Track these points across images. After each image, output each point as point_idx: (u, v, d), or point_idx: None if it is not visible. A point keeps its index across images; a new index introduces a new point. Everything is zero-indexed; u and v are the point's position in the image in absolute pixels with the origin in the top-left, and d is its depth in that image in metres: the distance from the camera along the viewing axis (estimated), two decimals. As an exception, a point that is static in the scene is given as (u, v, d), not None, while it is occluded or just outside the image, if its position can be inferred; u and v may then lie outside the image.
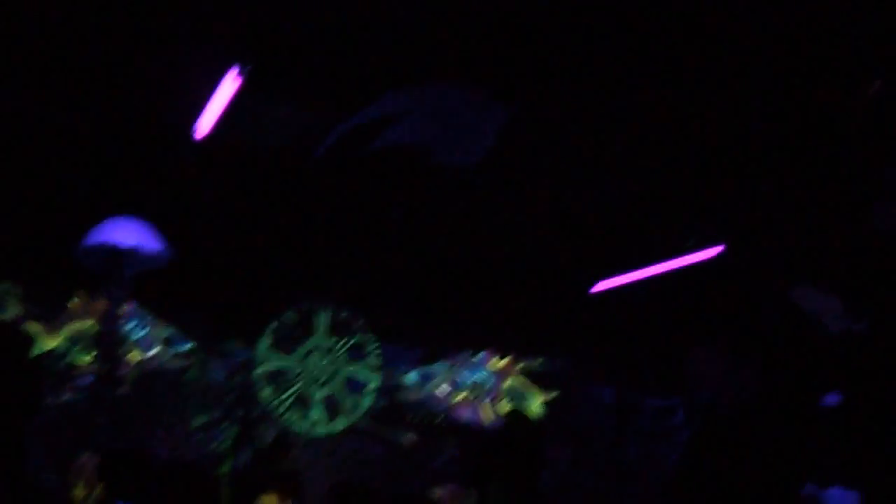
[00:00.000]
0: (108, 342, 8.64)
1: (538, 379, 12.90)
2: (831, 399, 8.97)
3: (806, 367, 10.23)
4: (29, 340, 10.43)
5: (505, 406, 12.46)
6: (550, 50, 7.80)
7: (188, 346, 11.12)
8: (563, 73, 8.18)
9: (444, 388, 12.42)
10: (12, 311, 10.45)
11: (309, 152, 8.94)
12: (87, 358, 10.30)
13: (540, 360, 12.92)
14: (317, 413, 11.65)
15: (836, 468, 8.03)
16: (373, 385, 11.88)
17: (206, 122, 7.94)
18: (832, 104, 8.03)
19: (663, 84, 8.27)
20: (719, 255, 10.67)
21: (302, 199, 10.23)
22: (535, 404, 12.62)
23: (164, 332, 10.92)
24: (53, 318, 10.65)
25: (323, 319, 11.90)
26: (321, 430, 11.61)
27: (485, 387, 12.55)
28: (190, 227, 9.56)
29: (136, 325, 10.57)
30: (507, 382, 12.70)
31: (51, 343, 10.49)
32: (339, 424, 11.73)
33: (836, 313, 9.86)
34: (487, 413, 12.40)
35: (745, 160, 9.29)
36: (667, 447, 12.99)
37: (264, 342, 11.56)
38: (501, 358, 12.82)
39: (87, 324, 10.47)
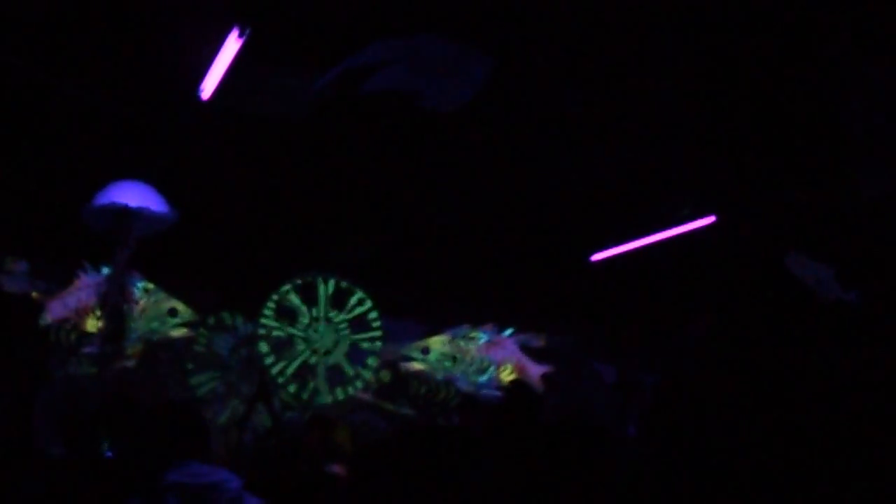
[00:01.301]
0: (113, 302, 8.77)
1: (539, 354, 13.05)
2: None
3: (799, 336, 10.36)
4: (35, 312, 10.64)
5: (507, 377, 12.57)
6: (548, 25, 8.01)
7: (193, 317, 11.29)
8: (559, 49, 8.38)
9: (446, 360, 12.55)
10: (19, 284, 10.64)
11: (314, 122, 9.15)
12: (94, 326, 10.47)
13: (542, 334, 13.04)
14: (319, 383, 11.81)
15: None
16: (374, 356, 12.03)
17: (209, 85, 8.11)
18: (818, 77, 8.17)
19: (656, 57, 8.44)
20: (712, 225, 10.82)
21: (304, 169, 10.40)
22: (535, 377, 12.74)
23: (168, 302, 11.08)
24: (59, 291, 10.83)
25: (325, 291, 12.05)
26: (322, 399, 11.76)
27: (486, 359, 12.69)
28: (192, 197, 9.69)
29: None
30: (507, 354, 12.82)
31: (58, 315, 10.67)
32: (341, 394, 11.88)
33: (828, 281, 9.98)
34: (486, 383, 12.54)
35: (737, 131, 9.45)
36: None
37: (267, 312, 11.71)
38: (502, 332, 12.95)
39: (92, 296, 10.65)
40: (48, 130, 9.28)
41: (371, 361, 12.00)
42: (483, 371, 12.57)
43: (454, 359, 12.56)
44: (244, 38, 7.47)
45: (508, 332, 12.91)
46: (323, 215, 11.15)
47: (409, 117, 9.18)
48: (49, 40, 8.07)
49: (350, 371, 11.91)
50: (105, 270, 10.51)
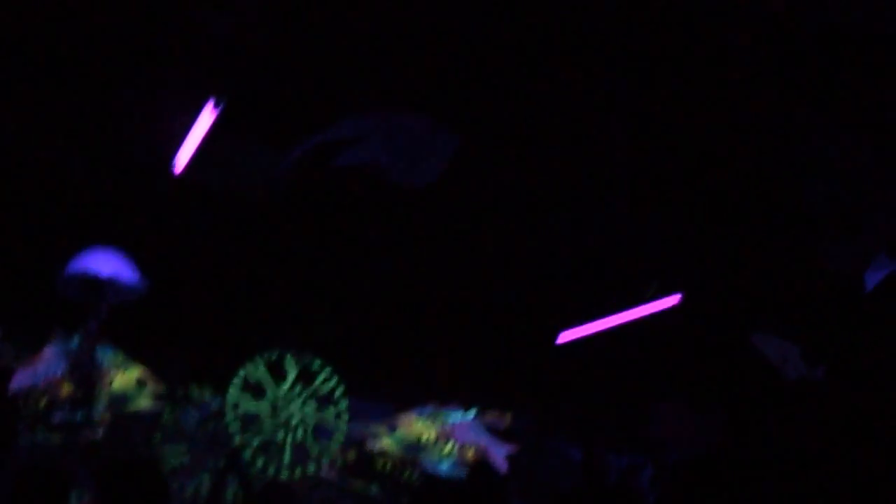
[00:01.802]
0: (83, 371, 8.80)
1: (504, 433, 13.05)
2: None
3: (768, 415, 10.43)
4: (3, 380, 10.60)
5: (470, 458, 12.57)
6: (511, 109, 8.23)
7: (161, 388, 11.27)
8: (526, 134, 8.59)
9: (412, 440, 12.56)
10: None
11: (287, 199, 9.28)
12: (64, 394, 10.44)
13: (507, 413, 13.06)
14: (285, 458, 11.80)
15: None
16: (340, 433, 12.04)
17: (183, 157, 8.22)
18: (782, 155, 8.36)
19: (621, 135, 8.64)
20: (679, 304, 10.93)
21: (275, 244, 10.50)
22: (500, 458, 12.74)
23: (137, 372, 11.06)
24: (30, 357, 10.78)
25: (293, 366, 12.08)
26: (287, 475, 11.74)
27: (451, 439, 12.70)
28: (164, 267, 9.76)
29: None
30: (472, 435, 12.83)
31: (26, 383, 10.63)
32: (308, 470, 11.86)
33: (793, 360, 10.08)
34: (450, 463, 12.54)
35: (702, 210, 9.61)
36: (634, 506, 12.96)
37: (235, 387, 11.72)
38: (468, 411, 12.97)
39: (61, 365, 10.63)
40: (24, 196, 9.32)
41: (337, 439, 11.98)
42: (446, 453, 12.57)
43: (419, 439, 12.56)
44: (218, 111, 7.58)
45: (473, 412, 12.92)
46: (294, 292, 11.21)
47: (378, 196, 9.34)
48: (27, 107, 8.20)
49: (315, 448, 11.90)
50: (76, 339, 10.49)
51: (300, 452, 11.93)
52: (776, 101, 7.81)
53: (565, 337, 12.11)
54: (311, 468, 11.90)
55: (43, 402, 10.61)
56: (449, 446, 12.64)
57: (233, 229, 10.10)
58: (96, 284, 8.52)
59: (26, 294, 10.07)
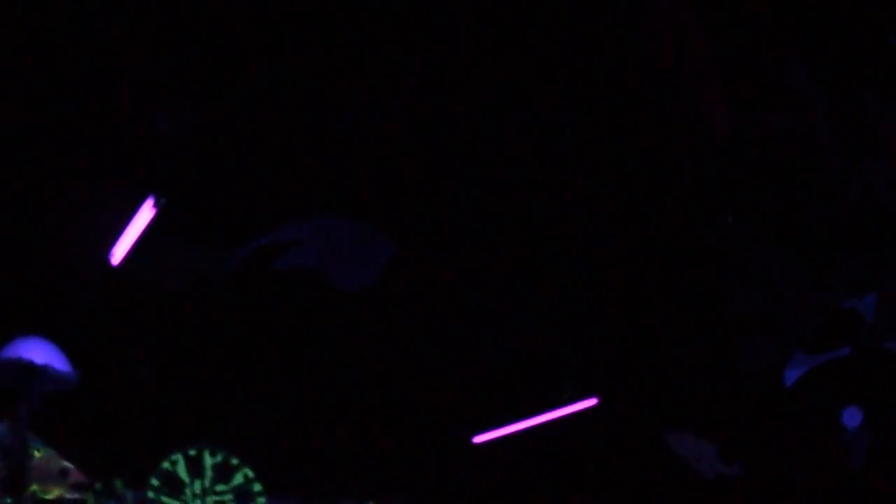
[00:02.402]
0: (14, 458, 8.79)
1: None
2: None
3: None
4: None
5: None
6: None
7: (82, 479, 11.19)
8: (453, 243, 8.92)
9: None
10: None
11: (210, 295, 9.44)
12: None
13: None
14: (204, 557, 11.74)
15: None
16: (259, 531, 12.02)
17: (120, 250, 8.37)
18: (702, 256, 8.71)
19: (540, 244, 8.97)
20: (594, 407, 11.19)
21: (200, 340, 10.61)
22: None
23: (59, 463, 11.00)
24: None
25: (211, 463, 12.06)
26: (207, 574, 11.68)
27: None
28: (89, 358, 9.81)
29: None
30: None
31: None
32: (225, 571, 11.81)
33: (709, 458, 10.31)
34: None
35: (616, 315, 9.92)
36: None
37: (154, 482, 11.68)
38: (382, 511, 13.01)
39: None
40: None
41: (256, 535, 11.96)
42: None
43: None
44: (157, 208, 7.77)
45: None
46: (218, 388, 11.30)
47: (306, 297, 9.55)
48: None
49: (235, 546, 11.86)
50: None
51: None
52: (699, 202, 8.17)
53: (481, 437, 12.31)
54: (229, 567, 11.82)
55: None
56: None
57: (162, 324, 10.19)
58: (29, 371, 8.55)
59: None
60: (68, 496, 10.87)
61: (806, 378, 8.23)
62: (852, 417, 8.69)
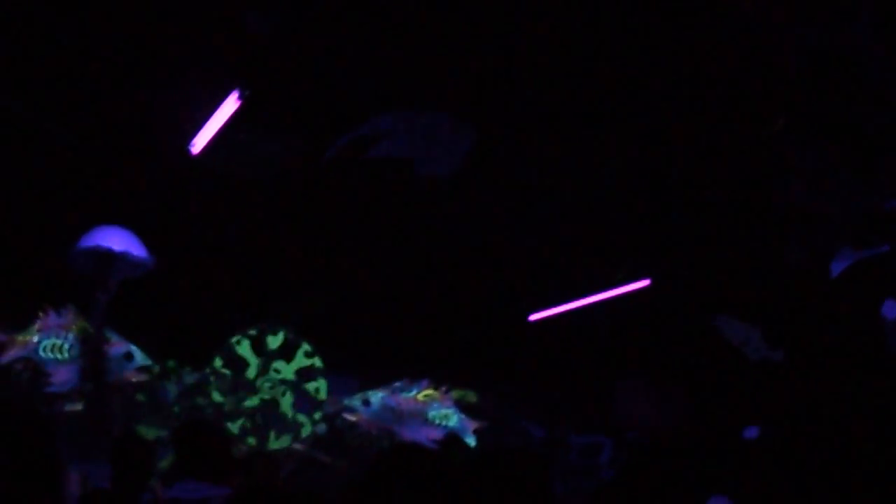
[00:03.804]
0: (94, 343, 9.10)
1: (470, 410, 13.43)
2: (751, 433, 9.51)
3: (729, 397, 10.87)
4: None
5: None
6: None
7: (146, 362, 11.60)
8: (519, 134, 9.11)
9: (383, 414, 12.93)
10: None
11: (281, 188, 9.69)
12: (61, 358, 10.54)
13: (472, 392, 13.49)
14: (266, 431, 12.10)
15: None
16: (319, 407, 12.39)
17: (201, 140, 8.60)
18: (746, 141, 8.88)
19: (596, 125, 9.15)
20: (646, 288, 11.46)
21: (269, 229, 10.95)
22: (468, 434, 13.15)
23: (124, 347, 11.33)
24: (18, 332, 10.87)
25: (272, 342, 12.38)
26: (270, 446, 12.04)
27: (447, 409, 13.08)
28: (165, 245, 10.05)
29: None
30: (442, 411, 13.29)
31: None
32: (285, 442, 12.19)
33: (754, 342, 10.53)
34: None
35: (669, 200, 10.12)
36: (592, 484, 13.20)
37: (216, 362, 12.09)
38: (437, 388, 13.38)
39: (57, 335, 10.74)
40: (37, 173, 9.58)
41: (317, 413, 12.33)
42: (447, 417, 12.95)
43: (393, 410, 12.92)
44: (241, 101, 7.99)
45: (443, 389, 13.31)
46: (280, 272, 11.59)
47: (359, 186, 9.80)
48: (46, 84, 8.47)
49: (299, 418, 12.22)
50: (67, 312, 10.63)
51: (280, 424, 12.23)
52: (746, 105, 8.34)
53: (537, 316, 12.61)
54: (289, 440, 12.22)
55: (27, 374, 10.71)
56: (445, 414, 13.03)
57: (232, 213, 10.44)
58: (107, 259, 8.81)
59: (25, 271, 10.32)
60: (133, 378, 11.15)
61: (850, 270, 8.42)
62: (891, 309, 8.89)
